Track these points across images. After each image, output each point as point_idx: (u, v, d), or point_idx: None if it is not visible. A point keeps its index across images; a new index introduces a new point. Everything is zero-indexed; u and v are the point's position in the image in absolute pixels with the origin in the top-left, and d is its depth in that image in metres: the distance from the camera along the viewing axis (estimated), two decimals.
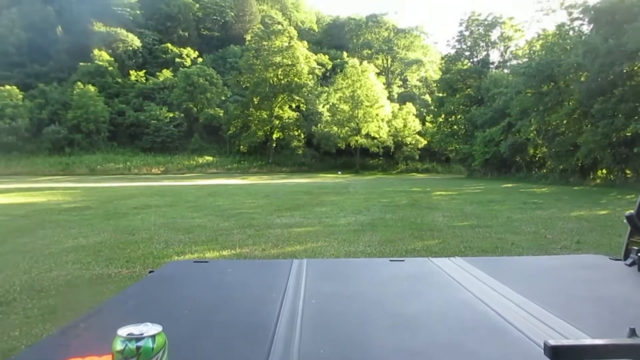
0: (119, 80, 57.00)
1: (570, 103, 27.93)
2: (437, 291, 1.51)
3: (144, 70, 58.93)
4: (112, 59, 57.26)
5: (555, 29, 36.46)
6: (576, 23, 32.12)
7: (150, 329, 0.78)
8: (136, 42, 60.77)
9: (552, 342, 0.79)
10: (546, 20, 39.30)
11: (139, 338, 0.76)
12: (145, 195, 20.72)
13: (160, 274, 1.79)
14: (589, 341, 0.93)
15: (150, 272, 1.77)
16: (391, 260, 1.92)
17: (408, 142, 55.51)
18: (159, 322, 0.81)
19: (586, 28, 30.47)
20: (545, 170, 32.90)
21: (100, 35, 58.21)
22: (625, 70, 22.98)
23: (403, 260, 1.93)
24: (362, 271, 1.85)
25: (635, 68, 23.03)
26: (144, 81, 58.31)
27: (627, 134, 21.69)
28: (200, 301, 1.40)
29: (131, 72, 57.93)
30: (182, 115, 55.43)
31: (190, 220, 12.02)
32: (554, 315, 1.17)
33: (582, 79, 27.42)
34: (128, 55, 59.85)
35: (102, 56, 56.18)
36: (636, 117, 20.95)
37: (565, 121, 28.56)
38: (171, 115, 54.50)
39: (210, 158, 52.43)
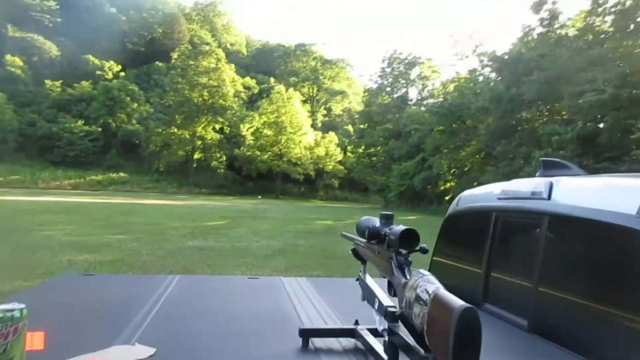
0: (32, 89, 54.06)
1: (476, 143, 30.12)
2: (269, 304, 1.93)
3: (61, 81, 56.32)
4: (26, 66, 54.31)
5: (467, 74, 39.38)
6: (485, 70, 34.95)
7: (17, 305, 1.14)
8: (54, 51, 58.10)
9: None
10: (460, 64, 42.54)
11: (11, 309, 1.12)
12: (52, 211, 19.82)
13: (50, 283, 2.14)
14: (326, 326, 1.58)
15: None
16: (249, 278, 2.36)
17: (329, 170, 56.77)
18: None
19: (494, 75, 33.25)
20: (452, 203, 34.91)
21: (15, 40, 55.11)
22: (523, 117, 25.28)
23: (258, 278, 2.36)
24: (222, 287, 2.25)
25: (531, 116, 25.41)
26: (60, 92, 55.69)
27: (523, 176, 23.74)
28: (77, 309, 1.73)
29: (46, 81, 55.16)
30: (100, 129, 53.35)
31: (97, 239, 11.78)
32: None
33: (489, 121, 29.79)
34: (44, 63, 57.01)
35: (15, 62, 53.15)
36: (532, 162, 23.00)
37: (471, 160, 30.68)
38: (87, 128, 52.28)
39: (126, 175, 50.66)
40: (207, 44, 62.42)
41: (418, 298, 0.98)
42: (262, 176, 54.65)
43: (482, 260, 2.03)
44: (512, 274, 1.89)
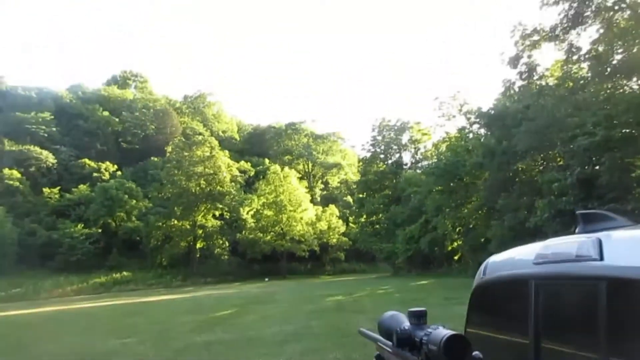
0: (31, 199, 54.47)
1: (477, 199, 30.00)
2: None
3: (59, 187, 56.86)
4: (24, 177, 55.04)
5: (457, 132, 40.01)
6: (474, 127, 35.51)
7: None
8: (51, 159, 59.14)
9: None
10: (448, 124, 43.44)
11: None
12: (55, 320, 19.21)
13: None
14: None
15: None
16: None
17: (333, 244, 56.21)
18: None
19: (483, 131, 33.74)
20: (463, 263, 34.29)
21: (12, 154, 56.22)
22: (519, 168, 25.33)
23: None
24: None
25: (527, 166, 25.49)
26: (59, 198, 56.09)
27: (530, 226, 23.37)
28: None
29: (44, 189, 55.68)
30: (100, 231, 53.19)
31: (101, 346, 11.26)
32: None
33: (485, 176, 29.84)
34: (42, 172, 57.85)
35: (12, 174, 53.90)
36: (537, 211, 22.74)
37: (474, 216, 30.42)
38: (87, 231, 52.13)
39: (129, 274, 49.88)
40: (200, 134, 63.83)
41: None
42: (267, 258, 53.92)
43: (527, 331, 1.80)
44: (569, 345, 1.66)
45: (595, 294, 1.45)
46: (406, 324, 1.08)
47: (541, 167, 26.56)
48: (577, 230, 1.76)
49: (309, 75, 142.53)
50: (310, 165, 73.50)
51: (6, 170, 53.79)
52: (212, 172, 54.73)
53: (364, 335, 1.35)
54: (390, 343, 1.13)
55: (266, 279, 47.71)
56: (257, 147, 75.51)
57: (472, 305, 2.33)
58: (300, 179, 63.90)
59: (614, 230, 1.58)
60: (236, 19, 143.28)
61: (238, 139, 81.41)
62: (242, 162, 64.39)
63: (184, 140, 58.08)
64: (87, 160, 61.99)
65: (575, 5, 21.83)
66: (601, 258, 1.45)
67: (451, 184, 33.93)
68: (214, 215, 55.18)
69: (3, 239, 46.82)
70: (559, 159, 24.71)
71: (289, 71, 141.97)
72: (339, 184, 74.13)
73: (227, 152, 60.05)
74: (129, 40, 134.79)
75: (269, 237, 53.06)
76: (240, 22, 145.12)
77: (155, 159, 64.74)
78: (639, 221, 1.74)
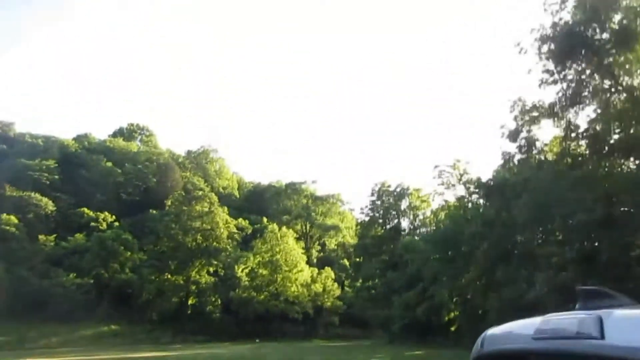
0: (26, 245, 54.01)
1: (475, 269, 29.80)
2: None
3: (55, 235, 56.53)
4: (21, 223, 54.83)
5: (456, 201, 40.28)
6: (474, 196, 35.82)
7: None
8: (50, 207, 59.15)
9: None
10: (447, 192, 43.96)
11: None
12: None
13: None
14: None
15: None
16: None
17: (328, 307, 55.19)
18: None
19: (482, 201, 34.02)
20: (459, 334, 33.54)
21: (12, 200, 56.34)
22: (519, 240, 25.36)
23: None
24: None
25: (526, 238, 25.53)
26: (54, 246, 55.65)
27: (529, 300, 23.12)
28: None
29: (40, 236, 55.33)
30: (92, 281, 52.42)
31: None
32: None
33: (484, 246, 29.78)
34: (39, 219, 57.69)
35: (10, 220, 53.74)
36: (536, 285, 22.55)
37: (472, 286, 30.14)
38: (79, 281, 51.37)
39: (117, 327, 48.72)
40: (201, 189, 64.19)
41: None
42: (259, 318, 52.79)
43: None
44: None
45: None
46: None
47: (539, 240, 26.60)
48: (577, 307, 1.77)
49: (312, 131, 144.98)
50: (308, 226, 73.33)
51: (4, 216, 53.71)
52: (209, 227, 54.66)
53: None
54: None
55: (257, 340, 46.52)
56: (257, 205, 75.61)
57: None
58: (298, 239, 63.61)
59: (615, 308, 1.60)
60: (238, 69, 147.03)
61: (238, 196, 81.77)
62: (241, 219, 64.33)
63: (184, 194, 58.42)
64: (86, 210, 61.95)
65: (573, 85, 22.63)
66: (602, 337, 1.44)
67: (449, 253, 33.83)
68: (208, 272, 54.64)
69: None
70: (557, 234, 24.79)
71: (291, 127, 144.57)
72: (336, 247, 73.67)
73: (226, 208, 60.16)
74: (135, 89, 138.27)
75: (262, 297, 52.25)
76: (242, 75, 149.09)
77: (154, 211, 64.71)
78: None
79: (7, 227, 53.19)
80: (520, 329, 1.99)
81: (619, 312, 1.55)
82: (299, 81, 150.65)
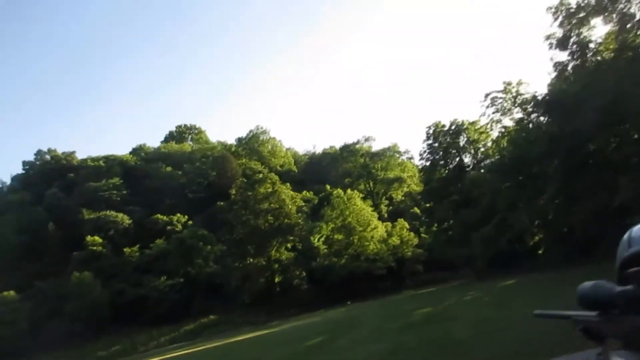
0: (114, 260, 57.46)
1: (551, 188, 28.83)
2: None
3: (138, 245, 59.72)
4: (105, 241, 58.26)
5: (515, 125, 38.85)
6: (532, 116, 34.39)
7: None
8: (126, 220, 62.39)
9: None
10: (505, 119, 42.11)
11: None
12: None
13: None
14: None
15: None
16: None
17: (409, 257, 55.42)
18: None
19: (543, 118, 32.61)
20: (547, 256, 32.75)
21: (91, 221, 59.91)
22: (591, 149, 24.23)
23: None
24: None
25: (599, 147, 24.32)
26: (139, 255, 58.84)
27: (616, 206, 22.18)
28: None
29: (125, 249, 58.63)
30: (182, 280, 55.23)
31: None
32: None
33: (555, 163, 28.68)
34: (120, 234, 61.07)
35: (95, 240, 57.21)
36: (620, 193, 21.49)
37: (551, 206, 29.23)
38: (170, 282, 54.28)
39: (215, 317, 51.30)
40: (260, 172, 65.45)
41: None
42: (345, 281, 53.76)
43: None
44: None
45: None
46: (617, 288, 1.09)
47: (614, 145, 25.26)
48: None
49: (352, 89, 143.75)
50: (371, 183, 73.36)
51: (88, 237, 57.22)
52: (277, 206, 55.73)
53: (544, 316, 1.38)
54: (594, 313, 1.15)
55: (348, 303, 47.53)
56: (316, 174, 76.26)
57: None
58: (364, 198, 63.82)
59: None
60: (282, 54, 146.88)
61: (296, 170, 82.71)
62: (305, 192, 65.26)
63: (245, 180, 59.70)
64: (159, 215, 64.82)
65: None
66: None
67: (520, 178, 32.86)
68: (286, 248, 55.96)
69: (95, 302, 49.52)
70: (632, 133, 23.46)
71: (329, 90, 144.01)
72: (403, 197, 73.37)
73: (288, 184, 61.10)
74: (170, 92, 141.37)
75: (343, 261, 53.13)
76: (283, 56, 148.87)
77: (221, 203, 66.74)
78: None
79: (94, 247, 56.72)
80: None
81: None
82: (323, 39, 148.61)
